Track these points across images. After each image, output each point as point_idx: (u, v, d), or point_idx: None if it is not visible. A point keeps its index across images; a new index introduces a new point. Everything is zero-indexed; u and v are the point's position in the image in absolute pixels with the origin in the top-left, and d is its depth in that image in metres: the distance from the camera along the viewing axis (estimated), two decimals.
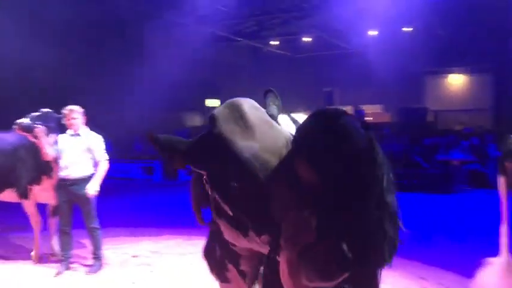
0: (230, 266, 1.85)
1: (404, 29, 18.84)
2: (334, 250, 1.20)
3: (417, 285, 4.74)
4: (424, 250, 5.84)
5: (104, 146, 5.22)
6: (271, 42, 22.73)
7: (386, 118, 19.24)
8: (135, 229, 7.35)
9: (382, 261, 1.35)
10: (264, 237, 1.38)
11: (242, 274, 1.80)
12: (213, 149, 1.49)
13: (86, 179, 5.08)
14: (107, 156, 5.20)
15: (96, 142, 5.19)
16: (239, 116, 1.53)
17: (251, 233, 1.44)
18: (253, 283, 1.79)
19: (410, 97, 19.98)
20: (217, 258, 1.91)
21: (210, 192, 1.55)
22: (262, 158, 1.42)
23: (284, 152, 1.43)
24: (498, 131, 14.72)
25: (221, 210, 1.53)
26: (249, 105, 1.58)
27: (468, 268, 4.35)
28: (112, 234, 6.30)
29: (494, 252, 3.18)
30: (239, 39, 21.28)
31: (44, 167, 5.23)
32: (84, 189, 5.00)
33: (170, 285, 4.90)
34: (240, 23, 20.86)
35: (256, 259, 1.74)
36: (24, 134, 5.01)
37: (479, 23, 16.71)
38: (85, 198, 5.05)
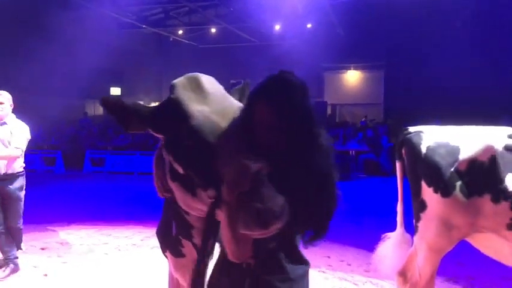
0: (184, 241, 1.98)
1: (308, 25, 19.79)
2: (272, 198, 1.37)
3: (323, 263, 5.21)
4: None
5: (26, 137, 4.70)
6: (178, 32, 22.54)
7: None
8: (41, 221, 7.04)
9: (319, 219, 1.59)
10: (211, 191, 1.55)
11: (195, 247, 1.92)
12: (171, 112, 1.67)
13: (15, 175, 4.64)
14: (23, 148, 4.64)
15: (20, 131, 4.65)
16: (196, 85, 1.73)
17: (198, 191, 1.62)
18: (207, 257, 1.86)
19: (311, 91, 21.05)
20: (173, 234, 2.02)
21: (165, 156, 1.71)
22: (211, 119, 1.63)
23: (235, 115, 1.65)
24: (388, 124, 16.16)
25: (175, 173, 1.69)
26: (207, 78, 1.79)
27: (366, 245, 4.91)
28: None
29: (388, 229, 3.66)
30: (144, 26, 20.78)
31: None
32: (12, 186, 4.61)
33: (84, 276, 4.83)
34: (146, 10, 20.39)
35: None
36: None
37: (373, 24, 18.12)
38: (12, 196, 4.65)
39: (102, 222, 7.27)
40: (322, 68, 21.19)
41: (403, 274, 3.07)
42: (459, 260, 5.01)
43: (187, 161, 1.62)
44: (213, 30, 22.04)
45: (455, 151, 2.86)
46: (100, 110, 24.10)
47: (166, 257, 2.19)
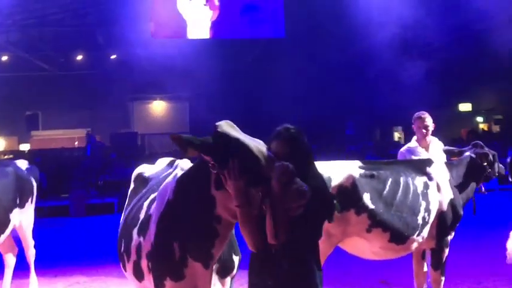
0: (190, 260, 2.33)
1: (112, 56, 19.76)
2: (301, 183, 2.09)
3: None
4: None
5: None
6: None
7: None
8: None
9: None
10: (262, 187, 2.15)
11: (211, 256, 2.33)
12: (223, 140, 2.21)
13: None
14: None
15: None
16: (230, 125, 2.31)
17: (247, 189, 2.17)
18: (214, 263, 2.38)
19: (118, 122, 21.01)
20: (176, 258, 2.33)
21: (219, 173, 2.19)
22: (249, 139, 2.25)
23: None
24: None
25: (220, 182, 2.20)
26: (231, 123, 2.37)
27: None
28: None
29: None
30: None
31: None
32: None
33: None
34: None
35: (226, 239, 2.38)
36: None
37: (178, 58, 19.13)
38: None
39: None
40: (130, 99, 21.36)
41: None
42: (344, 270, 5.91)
43: (240, 168, 2.13)
44: (4, 58, 19.99)
45: (328, 180, 3.93)
46: None
47: (163, 286, 2.40)
